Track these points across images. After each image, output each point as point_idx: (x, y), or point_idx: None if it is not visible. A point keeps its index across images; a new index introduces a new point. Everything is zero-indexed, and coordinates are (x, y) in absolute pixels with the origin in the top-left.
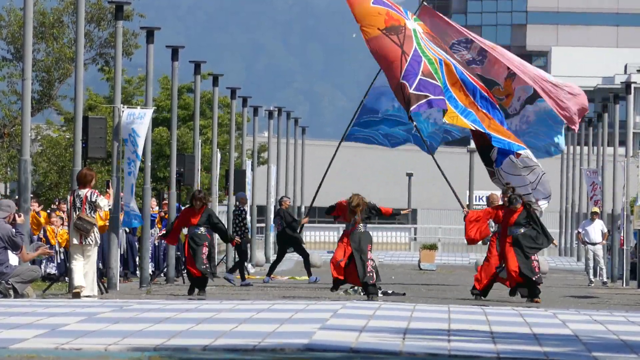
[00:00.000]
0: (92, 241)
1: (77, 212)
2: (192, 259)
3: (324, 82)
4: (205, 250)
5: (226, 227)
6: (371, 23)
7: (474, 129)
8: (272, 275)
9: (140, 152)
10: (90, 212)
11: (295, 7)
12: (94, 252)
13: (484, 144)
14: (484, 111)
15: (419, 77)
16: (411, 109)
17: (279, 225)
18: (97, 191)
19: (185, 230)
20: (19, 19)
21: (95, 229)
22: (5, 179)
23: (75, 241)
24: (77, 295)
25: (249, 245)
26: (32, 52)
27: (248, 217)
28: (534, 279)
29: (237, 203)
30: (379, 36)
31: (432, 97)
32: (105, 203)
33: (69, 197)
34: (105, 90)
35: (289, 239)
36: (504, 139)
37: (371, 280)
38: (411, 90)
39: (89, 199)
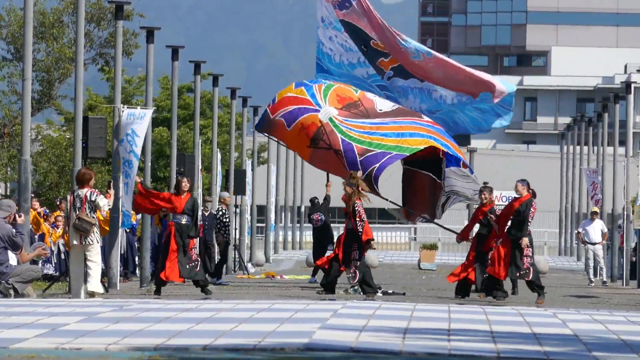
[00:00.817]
0: (92, 241)
1: (77, 212)
2: (174, 261)
3: None
4: (192, 245)
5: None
6: (300, 145)
7: (444, 150)
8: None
9: (139, 152)
10: (89, 212)
11: (295, 7)
12: (96, 251)
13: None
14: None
15: (359, 160)
16: (376, 188)
17: (318, 221)
18: (97, 191)
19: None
20: (19, 19)
21: (95, 229)
22: (6, 178)
23: (75, 242)
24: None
25: (232, 246)
26: (32, 52)
27: (248, 217)
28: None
29: (220, 203)
30: (312, 152)
31: (377, 165)
32: (105, 203)
33: (69, 198)
34: (105, 90)
35: (331, 235)
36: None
37: (352, 280)
38: (361, 177)
39: (89, 199)
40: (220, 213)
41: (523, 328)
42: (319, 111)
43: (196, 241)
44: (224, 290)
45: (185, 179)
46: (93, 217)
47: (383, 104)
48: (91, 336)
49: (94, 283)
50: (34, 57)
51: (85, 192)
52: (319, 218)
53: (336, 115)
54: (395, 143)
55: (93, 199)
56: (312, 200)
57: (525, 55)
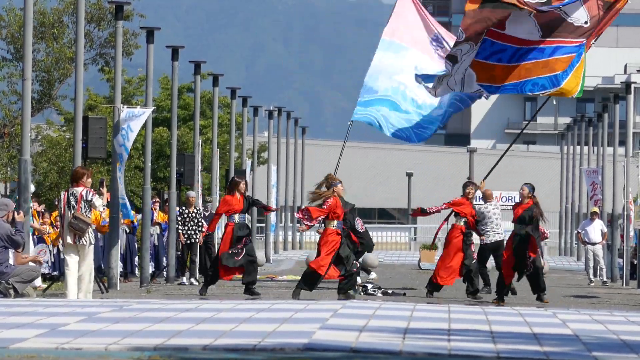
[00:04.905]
0: (86, 241)
1: (72, 211)
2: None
3: (324, 82)
4: (245, 242)
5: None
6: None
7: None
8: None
9: (129, 145)
10: (85, 212)
11: (295, 7)
12: (89, 253)
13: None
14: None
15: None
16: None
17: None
18: (92, 190)
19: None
20: (19, 19)
21: (90, 229)
22: (6, 178)
23: (69, 240)
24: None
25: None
26: (32, 52)
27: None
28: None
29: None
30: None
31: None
32: (100, 203)
33: (62, 196)
34: (105, 90)
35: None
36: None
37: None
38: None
39: (85, 198)
40: (190, 215)
41: (523, 328)
42: None
43: (249, 238)
44: (224, 290)
45: (244, 181)
46: (88, 217)
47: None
48: (91, 336)
49: (84, 292)
50: (34, 57)
51: (80, 190)
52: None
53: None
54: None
55: (89, 198)
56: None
57: None
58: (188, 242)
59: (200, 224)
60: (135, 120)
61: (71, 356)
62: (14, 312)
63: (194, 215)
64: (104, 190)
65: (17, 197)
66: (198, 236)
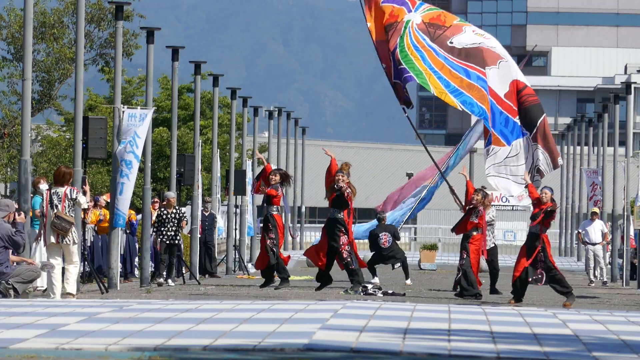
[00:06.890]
0: (69, 240)
1: (55, 211)
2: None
3: (324, 82)
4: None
5: (224, 226)
6: (378, 24)
7: (460, 109)
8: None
9: (139, 152)
10: (69, 211)
11: (295, 7)
12: (74, 252)
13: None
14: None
15: (399, 67)
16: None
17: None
18: (76, 188)
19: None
20: (19, 19)
21: (74, 228)
22: (6, 179)
23: (52, 239)
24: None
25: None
26: (32, 52)
27: (248, 217)
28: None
29: (164, 204)
30: (382, 41)
31: (400, 81)
32: (85, 200)
33: (45, 195)
34: (106, 91)
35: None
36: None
37: (350, 265)
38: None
39: (69, 196)
40: (170, 216)
41: (523, 328)
42: (409, 13)
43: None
44: (224, 290)
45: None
46: (72, 216)
47: (465, 38)
48: (91, 336)
49: (71, 284)
50: (34, 58)
51: (64, 189)
52: (387, 239)
53: (417, 23)
54: (427, 76)
55: (74, 196)
56: (379, 217)
57: (525, 55)
58: (168, 243)
59: (185, 221)
60: (140, 126)
61: (71, 356)
62: (14, 312)
63: (173, 216)
64: (87, 187)
65: (16, 197)
66: (178, 237)
